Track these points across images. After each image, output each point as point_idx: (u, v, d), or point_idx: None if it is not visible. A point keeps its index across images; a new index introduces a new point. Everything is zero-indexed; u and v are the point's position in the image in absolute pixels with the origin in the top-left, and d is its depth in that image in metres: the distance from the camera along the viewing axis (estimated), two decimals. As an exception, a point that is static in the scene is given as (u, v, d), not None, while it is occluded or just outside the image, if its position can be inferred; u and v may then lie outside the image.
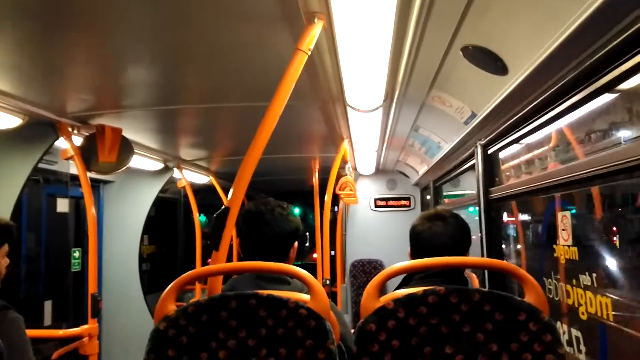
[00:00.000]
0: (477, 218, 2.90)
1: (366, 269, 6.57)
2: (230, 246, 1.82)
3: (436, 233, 1.81)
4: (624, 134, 1.59)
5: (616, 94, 1.62)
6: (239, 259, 1.80)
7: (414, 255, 1.88)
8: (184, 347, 1.35)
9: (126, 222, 4.98)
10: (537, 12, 1.52)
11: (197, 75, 2.52)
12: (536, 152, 2.57)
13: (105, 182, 4.92)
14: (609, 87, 1.58)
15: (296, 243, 1.85)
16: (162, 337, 1.36)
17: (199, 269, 1.58)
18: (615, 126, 1.63)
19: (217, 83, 2.61)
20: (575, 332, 1.99)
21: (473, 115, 2.53)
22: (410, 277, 1.84)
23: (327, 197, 4.48)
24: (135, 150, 3.37)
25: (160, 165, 4.63)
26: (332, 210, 6.20)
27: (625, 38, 1.36)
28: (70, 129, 3.00)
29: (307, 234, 10.06)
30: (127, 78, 2.53)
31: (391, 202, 6.75)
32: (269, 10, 1.70)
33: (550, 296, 2.16)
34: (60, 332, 3.36)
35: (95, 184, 4.86)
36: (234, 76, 2.47)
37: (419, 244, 1.85)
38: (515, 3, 1.55)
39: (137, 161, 4.07)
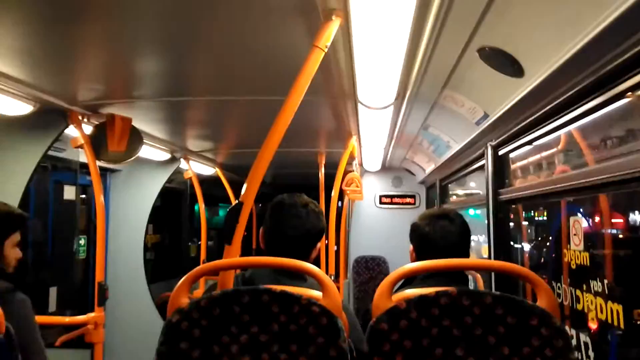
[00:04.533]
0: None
1: (369, 266, 6.58)
2: (246, 239, 1.82)
3: (445, 233, 1.82)
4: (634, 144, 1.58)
5: (633, 102, 1.61)
6: (257, 251, 1.80)
7: (419, 254, 1.88)
8: (196, 340, 1.36)
9: (132, 211, 4.99)
10: (556, 16, 1.51)
11: (208, 68, 2.51)
12: (545, 153, 2.57)
13: (112, 170, 4.93)
14: (625, 94, 1.57)
15: (319, 244, 1.84)
16: (175, 330, 1.37)
17: (211, 262, 1.58)
18: (632, 133, 1.62)
19: (227, 76, 2.60)
20: (584, 338, 2.00)
21: (485, 116, 2.52)
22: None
23: (334, 193, 4.49)
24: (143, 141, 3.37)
25: (167, 156, 4.64)
26: (337, 206, 6.20)
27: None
28: (80, 118, 3.00)
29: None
30: (139, 68, 2.53)
31: (396, 200, 6.75)
32: (286, 4, 1.69)
33: (560, 301, 2.16)
34: (67, 320, 3.38)
35: (103, 172, 4.88)
36: (245, 69, 2.46)
37: (428, 243, 1.85)
38: (534, 6, 1.54)
39: (145, 151, 4.06)
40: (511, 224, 2.99)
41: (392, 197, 6.76)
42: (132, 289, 4.93)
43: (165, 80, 2.72)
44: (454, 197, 5.40)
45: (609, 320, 1.75)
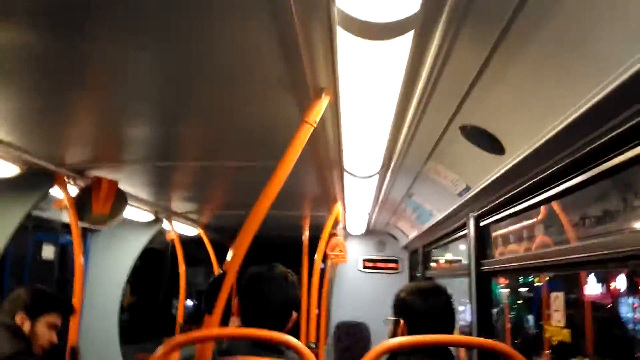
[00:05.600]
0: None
1: (350, 332, 6.43)
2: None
3: (435, 308, 1.84)
4: (617, 223, 1.63)
5: (610, 184, 1.67)
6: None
7: (410, 328, 1.87)
8: None
9: (111, 272, 4.87)
10: (536, 99, 1.59)
11: (196, 134, 2.56)
12: (526, 223, 2.62)
13: (93, 230, 4.85)
14: (602, 177, 1.63)
15: (295, 314, 1.82)
16: None
17: (188, 334, 1.55)
18: (610, 214, 1.67)
19: (215, 142, 2.65)
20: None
21: (467, 189, 2.58)
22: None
23: (318, 257, 4.46)
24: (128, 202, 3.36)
25: (151, 217, 4.60)
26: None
27: (621, 132, 1.42)
28: (66, 179, 2.99)
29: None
30: (127, 133, 2.56)
31: (379, 264, 6.70)
32: (279, 80, 1.76)
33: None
34: (36, 386, 3.22)
35: (83, 232, 4.79)
36: (233, 137, 2.51)
37: (418, 318, 1.84)
38: (515, 89, 1.63)
39: (128, 212, 4.04)
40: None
41: (375, 261, 6.72)
42: (105, 351, 4.75)
43: (153, 145, 2.75)
44: (438, 263, 5.40)
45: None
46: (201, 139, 2.64)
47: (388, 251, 6.73)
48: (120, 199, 3.16)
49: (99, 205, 3.00)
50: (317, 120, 1.79)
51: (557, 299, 2.05)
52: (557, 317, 2.03)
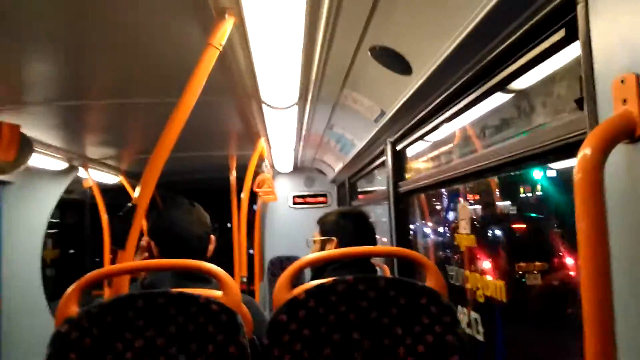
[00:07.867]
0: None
1: (284, 266, 6.56)
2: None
3: (362, 228, 2.06)
4: (512, 129, 1.73)
5: (506, 94, 1.76)
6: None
7: (341, 246, 2.03)
8: (87, 350, 1.31)
9: (27, 225, 4.65)
10: (437, 16, 1.61)
11: (103, 69, 2.41)
12: (443, 149, 2.74)
13: (4, 183, 4.58)
14: (499, 86, 1.71)
15: (213, 237, 1.84)
16: (64, 341, 1.31)
17: (103, 268, 1.53)
18: (505, 122, 1.77)
19: (124, 77, 2.52)
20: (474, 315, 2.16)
21: (382, 114, 2.63)
22: (324, 268, 1.92)
23: (244, 195, 4.47)
24: (35, 149, 3.17)
25: (64, 165, 4.38)
26: (251, 208, 6.19)
27: (513, 41, 1.48)
28: (-38, 126, 2.76)
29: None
30: (27, 72, 2.37)
31: (309, 199, 6.84)
32: (177, 2, 1.68)
33: (452, 282, 2.32)
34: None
35: (-8, 185, 4.52)
36: (142, 70, 2.40)
37: (349, 237, 2.03)
38: (415, 6, 1.64)
39: (39, 160, 3.83)
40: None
41: (305, 197, 6.85)
42: (31, 306, 4.62)
43: (56, 83, 2.58)
44: (363, 194, 5.57)
45: (494, 296, 1.91)
46: (107, 74, 2.49)
47: (317, 186, 6.87)
48: (25, 144, 2.96)
49: (1, 152, 2.79)
50: (223, 43, 1.74)
51: (463, 209, 2.19)
52: (463, 225, 2.18)
